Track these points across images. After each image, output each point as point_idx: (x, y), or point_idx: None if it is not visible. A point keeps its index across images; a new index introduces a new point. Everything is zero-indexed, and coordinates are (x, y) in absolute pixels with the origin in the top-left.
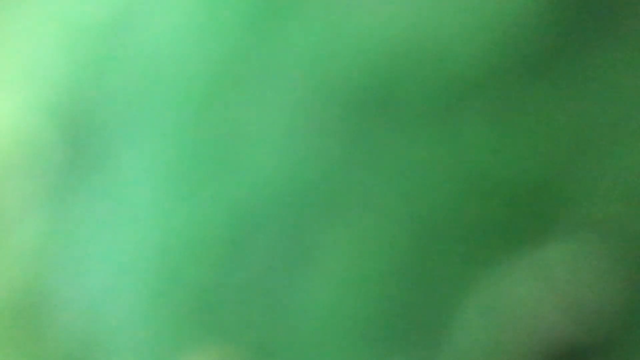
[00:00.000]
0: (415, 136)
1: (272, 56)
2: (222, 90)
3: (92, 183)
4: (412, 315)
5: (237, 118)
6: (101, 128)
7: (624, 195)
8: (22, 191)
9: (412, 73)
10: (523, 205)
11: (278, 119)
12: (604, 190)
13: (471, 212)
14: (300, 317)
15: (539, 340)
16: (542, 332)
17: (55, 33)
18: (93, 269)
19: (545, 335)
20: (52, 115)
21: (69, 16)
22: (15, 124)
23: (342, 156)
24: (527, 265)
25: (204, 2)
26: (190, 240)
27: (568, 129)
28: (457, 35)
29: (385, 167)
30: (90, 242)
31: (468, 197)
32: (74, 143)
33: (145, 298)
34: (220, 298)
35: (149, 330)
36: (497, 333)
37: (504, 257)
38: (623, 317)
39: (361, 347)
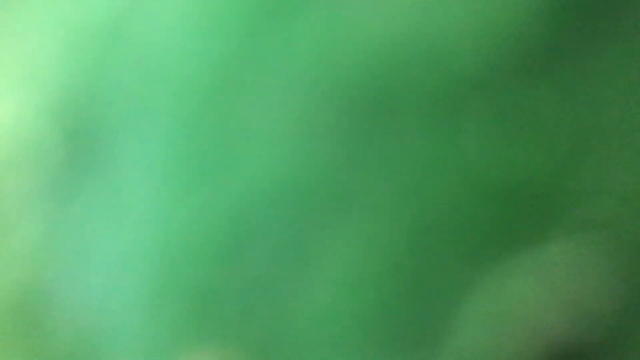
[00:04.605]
0: (415, 136)
1: (272, 56)
2: (222, 90)
3: (92, 182)
4: (412, 315)
5: (237, 118)
6: (101, 128)
7: (624, 195)
8: (22, 191)
9: (413, 73)
10: (523, 205)
11: (278, 119)
12: (604, 191)
13: (471, 212)
14: (300, 317)
15: (539, 340)
16: (542, 332)
17: (56, 33)
18: (93, 269)
19: (545, 335)
20: (52, 115)
21: (69, 16)
22: (15, 124)
23: (342, 156)
24: (527, 265)
25: (204, 2)
26: (190, 241)
27: (568, 129)
28: (457, 35)
29: (385, 167)
30: (90, 241)
31: (468, 197)
32: (74, 143)
33: (145, 298)
34: (220, 298)
35: (149, 330)
36: (497, 333)
37: (504, 257)
38: (623, 317)
39: (361, 347)
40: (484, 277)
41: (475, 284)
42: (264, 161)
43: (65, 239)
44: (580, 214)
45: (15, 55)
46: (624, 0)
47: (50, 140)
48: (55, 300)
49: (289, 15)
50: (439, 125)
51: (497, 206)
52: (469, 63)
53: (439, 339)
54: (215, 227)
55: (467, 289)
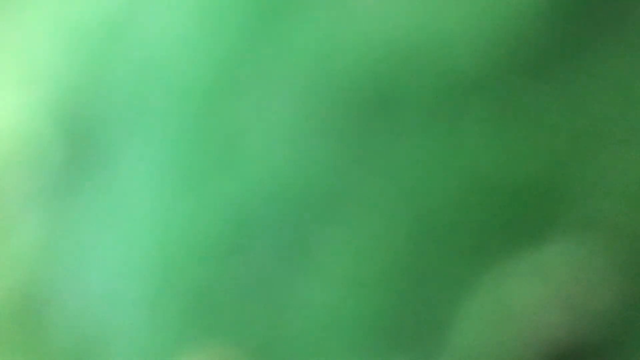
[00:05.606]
0: (415, 136)
1: (273, 56)
2: (223, 90)
3: (92, 182)
4: (412, 315)
5: (237, 117)
6: (101, 128)
7: (624, 195)
8: (22, 191)
9: (413, 73)
10: (523, 205)
11: (279, 118)
12: (604, 190)
13: (471, 212)
14: (300, 316)
15: (539, 340)
16: (542, 332)
17: (56, 33)
18: (93, 269)
19: (545, 335)
20: (52, 115)
21: (69, 16)
22: (15, 124)
23: (343, 156)
24: (527, 265)
25: (205, 3)
26: (191, 240)
27: (568, 129)
28: (457, 35)
29: (385, 167)
30: (90, 241)
31: (468, 197)
32: (74, 143)
33: (145, 298)
34: (221, 298)
35: (149, 330)
36: (497, 333)
37: (504, 257)
38: (623, 317)
39: (361, 346)
40: (484, 277)
41: (475, 284)
42: (264, 161)
43: (65, 239)
44: (580, 214)
45: (15, 55)
46: (624, 1)
47: (50, 140)
48: (55, 301)
49: (289, 15)
50: (439, 125)
51: (497, 206)
52: (470, 63)
53: (439, 338)
54: (215, 227)
55: (467, 289)
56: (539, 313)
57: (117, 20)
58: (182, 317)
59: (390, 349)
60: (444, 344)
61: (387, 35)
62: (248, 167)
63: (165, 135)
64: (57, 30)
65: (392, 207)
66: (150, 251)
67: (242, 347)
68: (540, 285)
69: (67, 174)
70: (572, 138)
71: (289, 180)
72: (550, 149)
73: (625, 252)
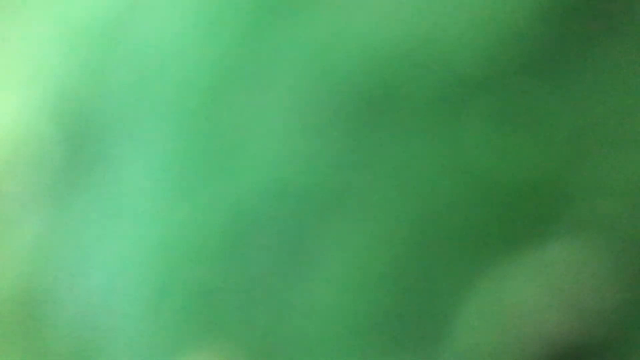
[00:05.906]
0: (415, 136)
1: (273, 56)
2: (223, 90)
3: (92, 183)
4: (412, 316)
5: (237, 117)
6: (101, 128)
7: (624, 195)
8: (22, 191)
9: (413, 73)
10: (523, 205)
11: (279, 118)
12: (604, 190)
13: (471, 212)
14: (301, 317)
15: (539, 341)
16: (542, 332)
17: (56, 33)
18: (93, 269)
19: (545, 335)
20: (52, 115)
21: (69, 16)
22: (15, 124)
23: (343, 156)
24: (527, 265)
25: (205, 2)
26: (191, 240)
27: (568, 129)
28: (458, 35)
29: (385, 167)
30: (90, 241)
31: (468, 197)
32: (74, 143)
33: (145, 297)
34: (221, 298)
35: (149, 329)
36: (498, 333)
37: (504, 257)
38: (623, 317)
39: (361, 347)
40: (484, 277)
41: (475, 284)
42: (265, 160)
43: (66, 239)
44: (580, 214)
45: (15, 55)
46: (624, 1)
47: (50, 141)
48: (55, 301)
49: (289, 14)
50: (440, 125)
51: (498, 206)
52: (470, 62)
53: (439, 338)
54: (216, 226)
55: (467, 289)
56: (539, 313)
57: (116, 20)
58: (183, 317)
59: (390, 348)
60: (444, 344)
61: (388, 35)
62: (249, 167)
63: (165, 135)
64: (57, 30)
65: (392, 206)
66: (151, 251)
67: (243, 347)
68: (541, 285)
69: (67, 174)
70: (572, 138)
71: (289, 179)
72: (551, 148)
73: (625, 252)
